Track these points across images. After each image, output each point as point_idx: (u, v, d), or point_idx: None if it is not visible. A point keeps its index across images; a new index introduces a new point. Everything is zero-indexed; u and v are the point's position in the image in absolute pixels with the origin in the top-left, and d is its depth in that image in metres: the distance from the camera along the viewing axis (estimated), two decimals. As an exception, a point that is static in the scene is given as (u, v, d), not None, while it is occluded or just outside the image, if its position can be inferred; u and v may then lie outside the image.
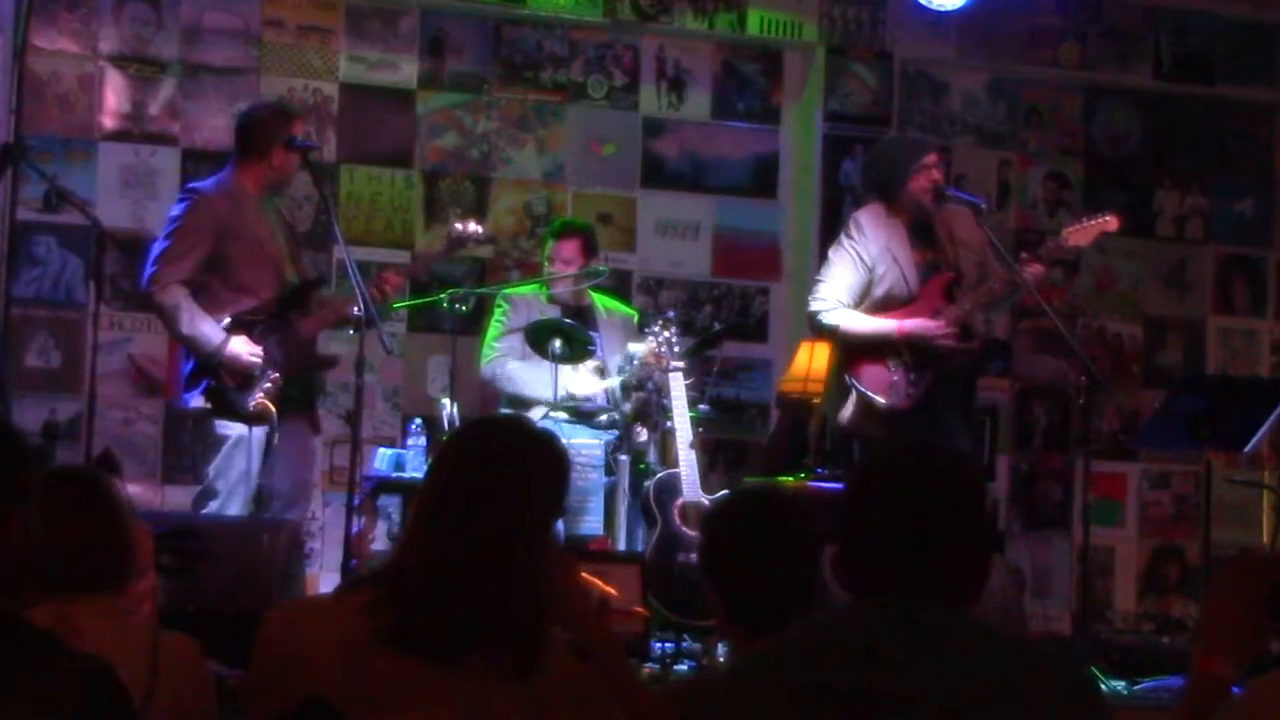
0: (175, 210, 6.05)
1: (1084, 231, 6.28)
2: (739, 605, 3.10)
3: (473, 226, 6.41)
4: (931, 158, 6.37)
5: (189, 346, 5.94)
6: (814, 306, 6.32)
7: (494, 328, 6.97)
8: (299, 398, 6.07)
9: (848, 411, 6.27)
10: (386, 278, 6.27)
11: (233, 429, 5.89)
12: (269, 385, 5.88)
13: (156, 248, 5.98)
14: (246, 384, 5.87)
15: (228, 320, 5.89)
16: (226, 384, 5.88)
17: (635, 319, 7.22)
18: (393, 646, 2.57)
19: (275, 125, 6.09)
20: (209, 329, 5.86)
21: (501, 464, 2.69)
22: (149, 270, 5.93)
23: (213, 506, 5.86)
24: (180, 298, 5.87)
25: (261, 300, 5.98)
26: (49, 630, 2.19)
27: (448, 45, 8.05)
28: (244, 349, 5.87)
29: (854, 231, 6.35)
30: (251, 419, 5.86)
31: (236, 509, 5.84)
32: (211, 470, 5.92)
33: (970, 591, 2.35)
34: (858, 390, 6.22)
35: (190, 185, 6.25)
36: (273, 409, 5.86)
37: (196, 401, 5.95)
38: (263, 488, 5.99)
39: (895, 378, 6.21)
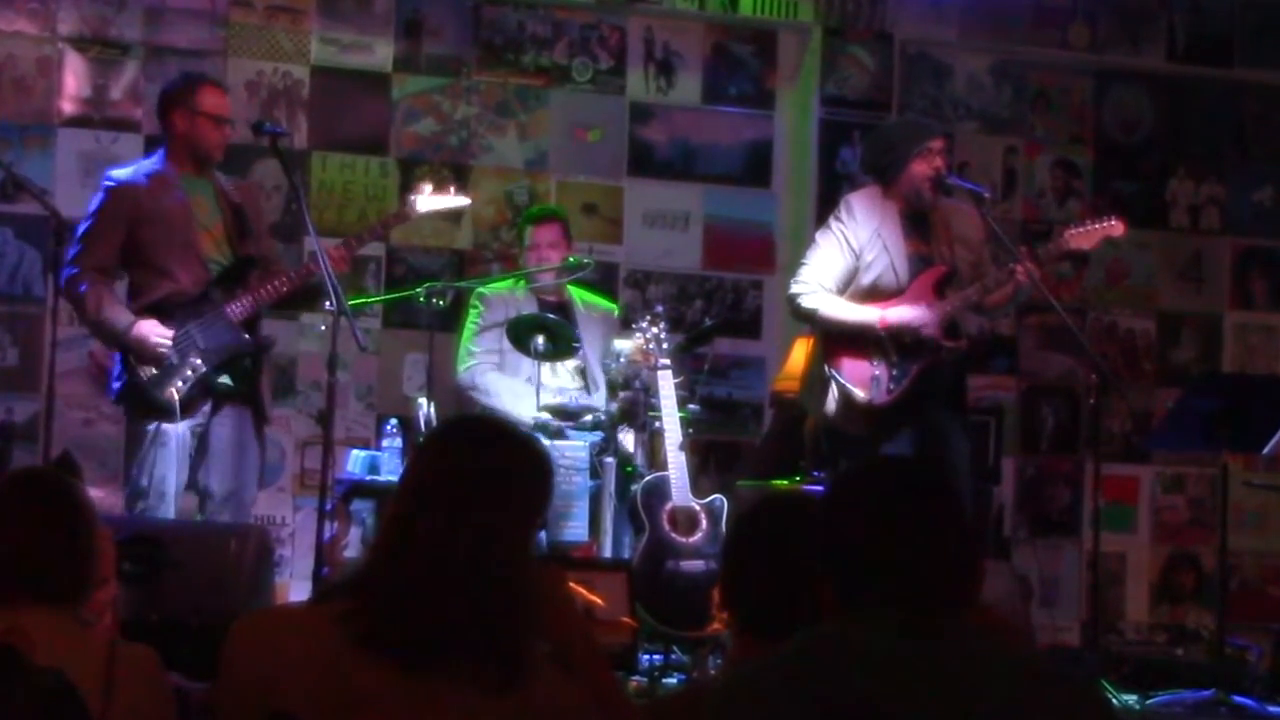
0: (92, 202, 6.10)
1: (1087, 235, 6.30)
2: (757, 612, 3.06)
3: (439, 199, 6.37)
4: (937, 143, 6.35)
5: (97, 334, 6.04)
6: (794, 289, 6.34)
7: (468, 329, 6.95)
8: (234, 389, 6.03)
9: (830, 406, 6.27)
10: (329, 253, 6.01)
11: (150, 425, 5.90)
12: (190, 374, 5.86)
13: (72, 243, 6.00)
14: (164, 373, 5.86)
15: (143, 305, 5.91)
16: (139, 374, 5.89)
17: (616, 313, 7.22)
18: (367, 658, 2.57)
19: (176, 93, 6.16)
20: (115, 312, 5.90)
21: (480, 467, 2.69)
22: (65, 268, 5.92)
23: (141, 508, 5.87)
24: (88, 283, 5.90)
25: (180, 285, 5.98)
26: (7, 644, 2.19)
27: (424, 26, 8.05)
28: (151, 331, 5.88)
29: (843, 215, 6.36)
30: (162, 412, 5.86)
31: (168, 511, 5.85)
32: (134, 469, 5.97)
33: (966, 598, 2.37)
34: (837, 382, 6.23)
35: (108, 172, 6.25)
36: (176, 401, 5.83)
37: (113, 393, 6.01)
38: (202, 487, 6.02)
39: (877, 371, 6.22)
